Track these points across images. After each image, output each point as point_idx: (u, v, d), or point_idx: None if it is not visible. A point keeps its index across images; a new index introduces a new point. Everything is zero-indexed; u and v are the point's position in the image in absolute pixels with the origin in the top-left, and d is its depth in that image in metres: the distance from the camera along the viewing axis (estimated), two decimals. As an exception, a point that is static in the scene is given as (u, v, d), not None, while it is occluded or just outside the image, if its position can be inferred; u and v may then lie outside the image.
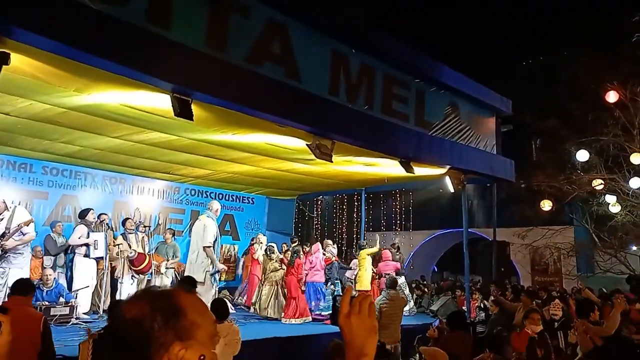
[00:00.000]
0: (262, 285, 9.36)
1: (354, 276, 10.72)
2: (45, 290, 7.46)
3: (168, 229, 10.21)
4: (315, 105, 6.20)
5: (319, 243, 9.93)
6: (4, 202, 7.30)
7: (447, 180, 8.97)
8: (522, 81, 14.74)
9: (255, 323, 8.63)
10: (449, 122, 8.35)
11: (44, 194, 9.22)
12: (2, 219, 7.08)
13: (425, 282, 14.20)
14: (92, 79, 4.84)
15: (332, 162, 6.97)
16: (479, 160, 8.80)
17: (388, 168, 8.61)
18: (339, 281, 9.40)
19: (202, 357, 1.04)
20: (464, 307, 9.38)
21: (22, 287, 4.51)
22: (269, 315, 9.01)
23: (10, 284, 6.60)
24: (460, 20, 16.53)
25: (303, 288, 8.98)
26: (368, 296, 1.20)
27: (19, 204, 8.06)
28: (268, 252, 9.53)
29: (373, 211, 14.04)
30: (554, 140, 12.46)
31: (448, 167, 8.56)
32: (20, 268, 7.11)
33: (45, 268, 7.85)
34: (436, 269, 19.55)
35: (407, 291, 10.72)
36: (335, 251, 9.93)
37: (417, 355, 5.44)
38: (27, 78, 4.77)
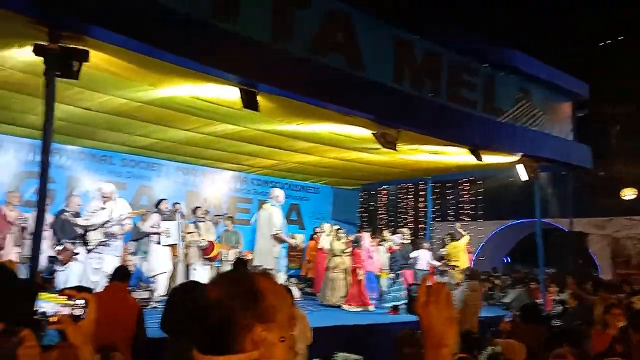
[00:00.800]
0: (328, 272, 9.42)
1: (428, 265, 10.39)
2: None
3: (228, 217, 10.39)
4: (380, 94, 6.14)
5: (364, 234, 9.91)
6: (112, 192, 7.67)
7: (520, 168, 8.61)
8: (597, 66, 13.78)
9: (323, 311, 8.73)
10: (520, 108, 8.00)
11: (122, 184, 9.73)
12: (105, 209, 7.50)
13: (497, 274, 13.74)
14: (164, 73, 5.06)
15: (397, 150, 6.89)
16: (553, 147, 8.38)
17: (456, 156, 8.39)
18: (401, 272, 9.26)
19: (282, 339, 1.06)
20: (538, 300, 9.00)
21: (122, 274, 4.77)
22: (335, 304, 9.09)
23: (105, 269, 7.05)
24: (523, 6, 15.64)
25: (360, 277, 9.04)
26: (445, 285, 1.18)
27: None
28: (337, 234, 9.54)
29: (440, 201, 13.74)
30: (634, 125, 11.62)
31: (520, 154, 8.21)
32: (116, 255, 7.50)
33: (127, 254, 8.32)
34: (508, 261, 18.85)
35: None
36: (397, 240, 9.77)
37: (490, 347, 5.26)
38: (105, 74, 5.06)
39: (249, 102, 5.29)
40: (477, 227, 15.53)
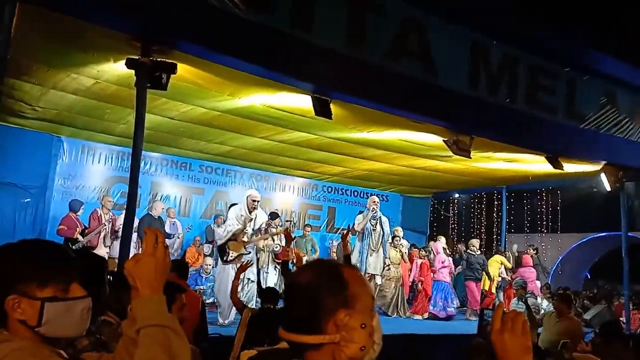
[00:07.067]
0: (384, 280, 9.34)
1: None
2: (204, 277, 8.34)
3: (306, 224, 10.67)
4: (453, 101, 6.07)
5: (438, 243, 9.95)
6: (260, 201, 7.28)
7: (603, 177, 8.16)
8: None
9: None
10: (604, 114, 7.58)
11: (200, 190, 10.28)
12: (252, 219, 7.07)
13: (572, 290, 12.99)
14: (242, 83, 5.31)
15: (470, 158, 6.76)
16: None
17: (533, 164, 8.10)
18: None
19: (363, 326, 1.13)
20: (622, 318, 8.45)
21: (180, 269, 4.92)
22: (390, 313, 9.08)
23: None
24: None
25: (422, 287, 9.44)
26: (520, 313, 1.16)
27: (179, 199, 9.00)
28: (393, 242, 9.46)
29: (515, 211, 13.24)
30: None
31: (603, 162, 7.80)
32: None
33: (205, 257, 8.70)
34: (589, 276, 17.75)
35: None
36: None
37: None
38: (189, 85, 5.38)
39: (322, 110, 5.40)
40: (556, 239, 14.78)
